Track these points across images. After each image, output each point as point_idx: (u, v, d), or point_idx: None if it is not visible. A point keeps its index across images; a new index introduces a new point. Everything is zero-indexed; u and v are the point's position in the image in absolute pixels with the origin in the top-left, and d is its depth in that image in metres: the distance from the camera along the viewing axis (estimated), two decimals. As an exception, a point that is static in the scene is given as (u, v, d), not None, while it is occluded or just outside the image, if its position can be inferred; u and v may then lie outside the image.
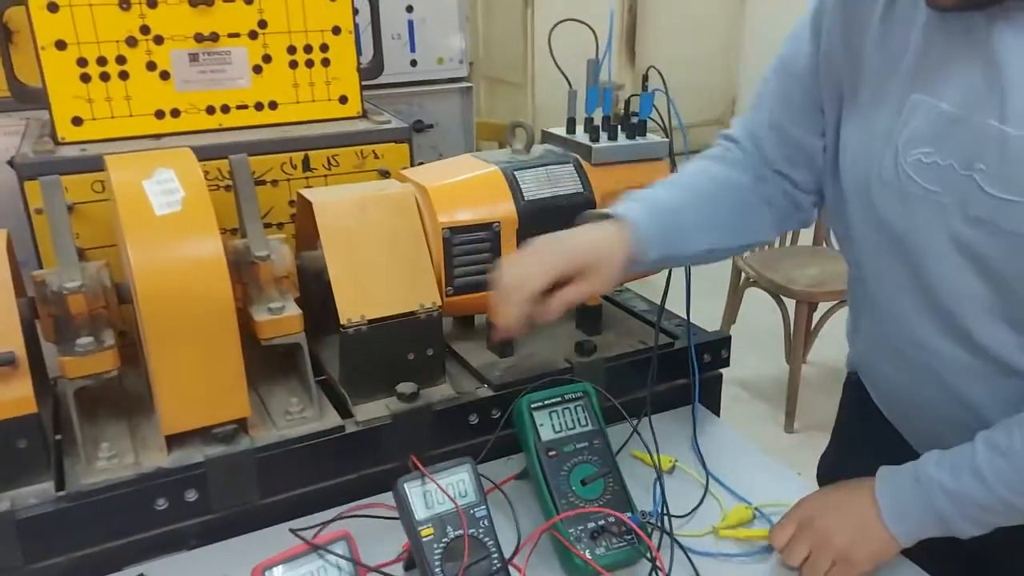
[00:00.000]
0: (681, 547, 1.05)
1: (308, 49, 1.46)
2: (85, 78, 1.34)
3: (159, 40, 1.36)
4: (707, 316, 1.48)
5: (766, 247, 3.41)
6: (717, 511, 1.13)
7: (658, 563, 1.00)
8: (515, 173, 1.23)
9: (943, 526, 0.95)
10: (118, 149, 1.27)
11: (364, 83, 1.54)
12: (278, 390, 1.21)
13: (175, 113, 1.40)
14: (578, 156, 1.28)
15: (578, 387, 1.14)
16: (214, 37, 1.39)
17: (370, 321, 1.14)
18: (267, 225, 1.38)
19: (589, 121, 1.30)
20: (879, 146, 0.96)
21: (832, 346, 3.61)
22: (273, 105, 1.46)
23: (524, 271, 0.97)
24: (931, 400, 1.04)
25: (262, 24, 1.42)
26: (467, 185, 1.23)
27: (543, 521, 1.04)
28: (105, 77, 1.35)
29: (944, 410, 1.02)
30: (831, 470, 1.32)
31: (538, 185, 1.23)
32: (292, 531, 0.98)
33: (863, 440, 1.22)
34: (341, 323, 1.13)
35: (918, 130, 0.91)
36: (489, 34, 6.36)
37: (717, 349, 1.35)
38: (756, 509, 1.12)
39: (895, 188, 0.94)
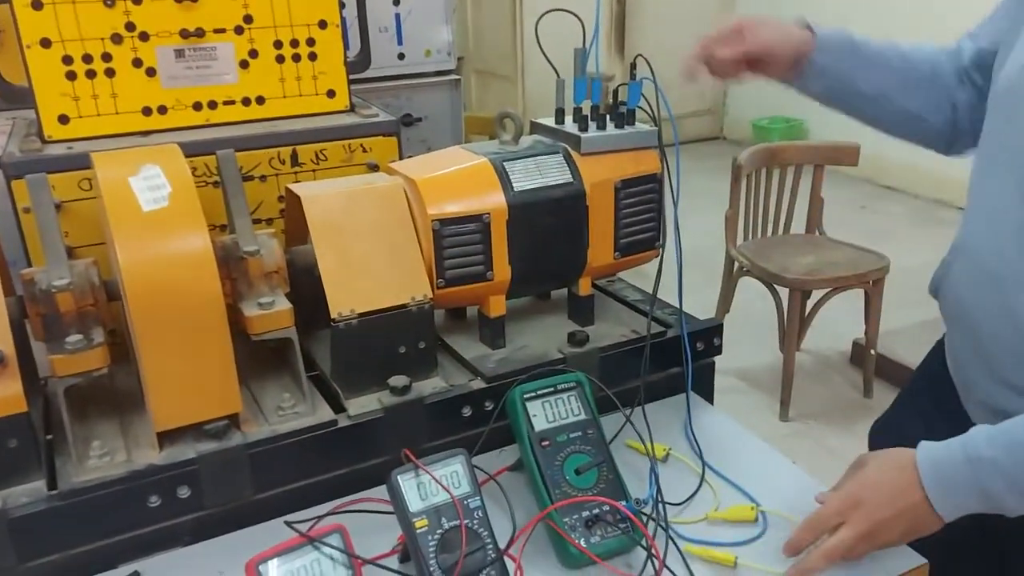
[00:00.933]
0: (676, 534, 1.05)
1: (295, 43, 1.45)
2: (71, 76, 1.33)
3: (144, 37, 1.35)
4: (701, 306, 1.48)
5: (759, 235, 3.42)
6: (712, 499, 1.13)
7: (653, 551, 1.00)
8: (504, 164, 1.23)
9: (990, 504, 0.95)
10: (105, 147, 1.27)
11: (351, 77, 1.53)
12: (270, 385, 1.21)
13: (162, 110, 1.40)
14: (567, 146, 1.28)
15: (571, 377, 1.14)
16: (200, 33, 1.38)
17: (361, 315, 1.14)
18: (256, 220, 1.38)
19: (578, 111, 1.30)
20: None
21: (826, 334, 3.63)
22: (260, 100, 1.46)
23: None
24: (994, 320, 1.06)
25: (248, 19, 1.41)
26: (456, 177, 1.22)
27: (538, 511, 1.04)
28: (91, 74, 1.34)
29: (1004, 332, 1.05)
30: (884, 427, 1.39)
31: (528, 176, 1.23)
32: (287, 523, 0.98)
33: (922, 412, 1.26)
34: (332, 317, 1.13)
35: None
36: (478, 28, 6.35)
37: (710, 337, 1.35)
38: (760, 511, 1.10)
39: None
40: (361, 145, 1.45)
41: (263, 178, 1.40)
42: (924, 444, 0.99)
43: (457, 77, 2.49)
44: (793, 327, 3.18)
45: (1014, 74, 1.05)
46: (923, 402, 1.03)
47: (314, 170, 1.43)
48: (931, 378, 1.26)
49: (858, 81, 1.22)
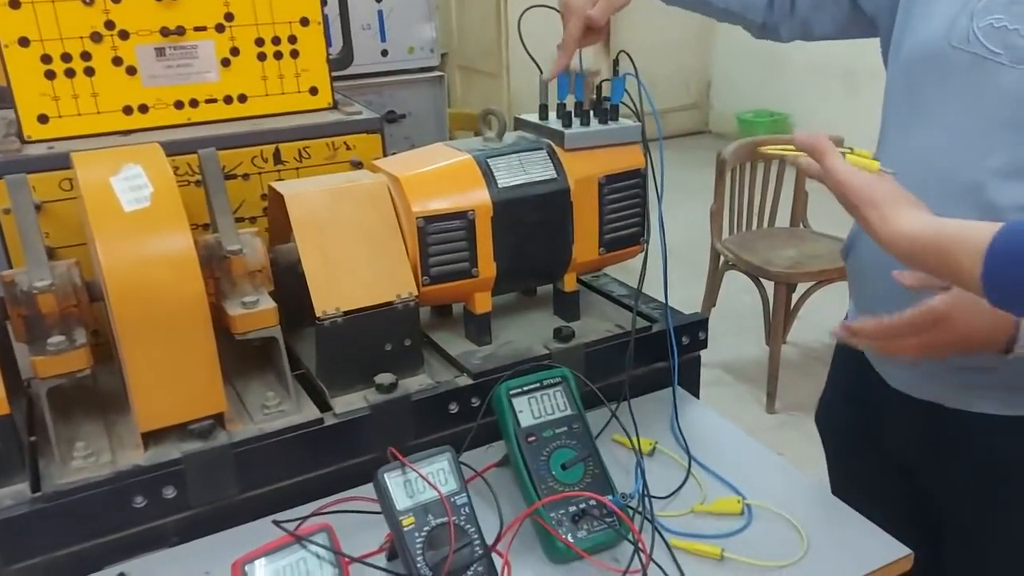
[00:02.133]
0: (662, 527, 1.06)
1: (276, 41, 1.45)
2: (50, 75, 1.32)
3: (124, 35, 1.34)
4: (687, 300, 1.49)
5: (744, 229, 3.43)
6: (698, 492, 1.14)
7: (640, 545, 1.00)
8: (488, 161, 1.23)
9: None
10: (86, 146, 1.26)
11: (334, 74, 1.52)
12: (255, 384, 1.20)
13: (143, 109, 1.39)
14: (551, 142, 1.28)
15: (556, 372, 1.14)
16: (180, 31, 1.37)
17: (346, 313, 1.14)
18: (240, 219, 1.37)
19: (561, 107, 1.30)
20: (954, 14, 1.06)
21: (812, 326, 3.64)
22: (242, 98, 1.45)
23: None
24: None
25: (228, 17, 1.40)
26: (440, 174, 1.22)
27: (525, 507, 1.04)
28: (70, 74, 1.33)
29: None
30: (828, 411, 1.51)
31: (511, 172, 1.23)
32: (275, 522, 0.97)
33: (853, 389, 1.36)
34: (317, 315, 1.12)
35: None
36: (463, 23, 6.33)
37: (695, 331, 1.36)
38: (746, 504, 1.10)
39: (962, 52, 1.04)
40: (344, 143, 1.45)
41: (246, 176, 1.39)
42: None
43: (441, 74, 2.48)
44: (779, 320, 3.19)
45: (946, 27, 1.05)
46: (845, 379, 1.07)
47: (297, 168, 1.42)
48: (844, 355, 1.30)
49: None
